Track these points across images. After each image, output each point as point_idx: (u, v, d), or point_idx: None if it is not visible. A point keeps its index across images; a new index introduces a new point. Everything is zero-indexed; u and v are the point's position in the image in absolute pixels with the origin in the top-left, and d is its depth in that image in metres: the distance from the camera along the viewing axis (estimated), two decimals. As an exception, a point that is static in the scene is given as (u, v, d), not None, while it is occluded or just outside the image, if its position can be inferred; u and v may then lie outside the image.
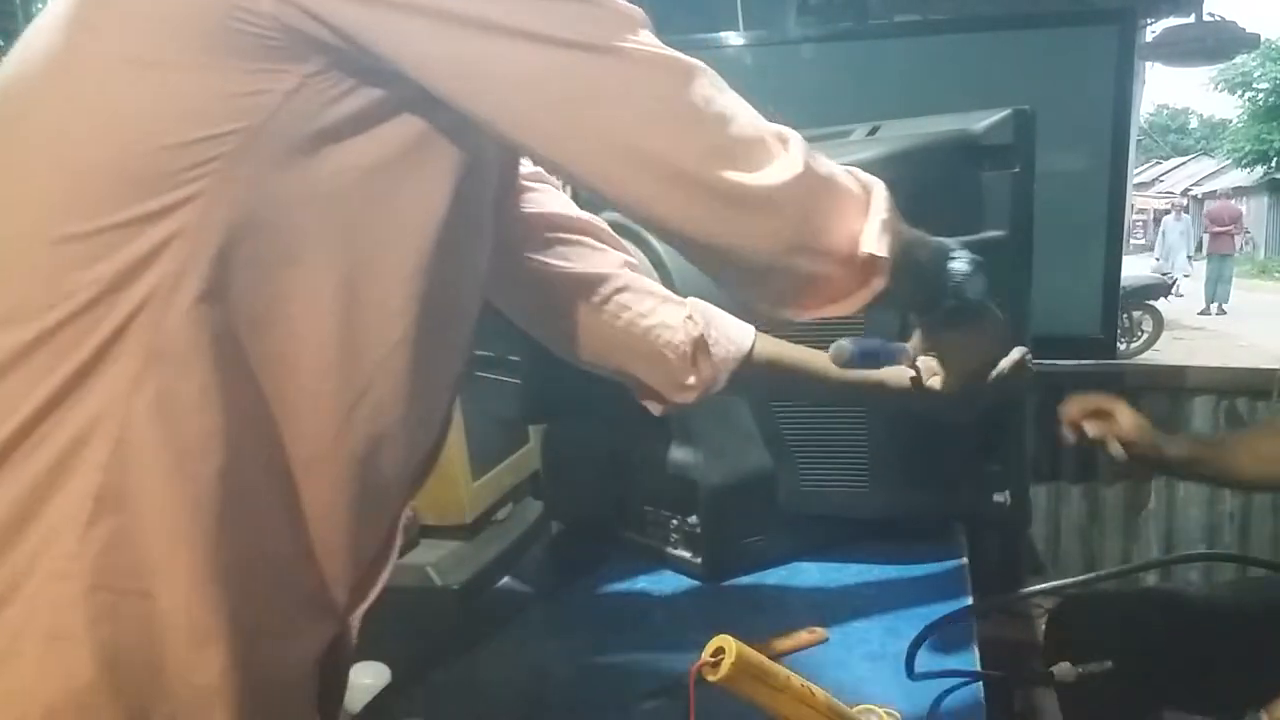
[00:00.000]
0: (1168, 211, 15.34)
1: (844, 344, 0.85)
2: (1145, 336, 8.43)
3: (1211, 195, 21.41)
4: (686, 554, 1.16)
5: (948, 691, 0.84)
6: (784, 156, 0.63)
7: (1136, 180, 21.93)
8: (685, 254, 0.69)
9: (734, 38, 2.19)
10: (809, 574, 1.16)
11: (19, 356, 0.53)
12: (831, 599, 1.08)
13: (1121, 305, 3.63)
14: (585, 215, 0.90)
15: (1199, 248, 15.16)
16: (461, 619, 1.09)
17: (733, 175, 0.61)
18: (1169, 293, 9.24)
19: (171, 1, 0.53)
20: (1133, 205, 19.96)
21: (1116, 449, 1.34)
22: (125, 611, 0.55)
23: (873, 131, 1.13)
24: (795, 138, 0.65)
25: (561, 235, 0.86)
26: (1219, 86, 20.18)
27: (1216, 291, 12.58)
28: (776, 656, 0.88)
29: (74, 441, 0.54)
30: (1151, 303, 8.54)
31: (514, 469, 1.56)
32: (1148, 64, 6.11)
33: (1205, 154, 27.36)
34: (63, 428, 0.54)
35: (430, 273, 0.62)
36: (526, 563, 1.31)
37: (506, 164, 0.75)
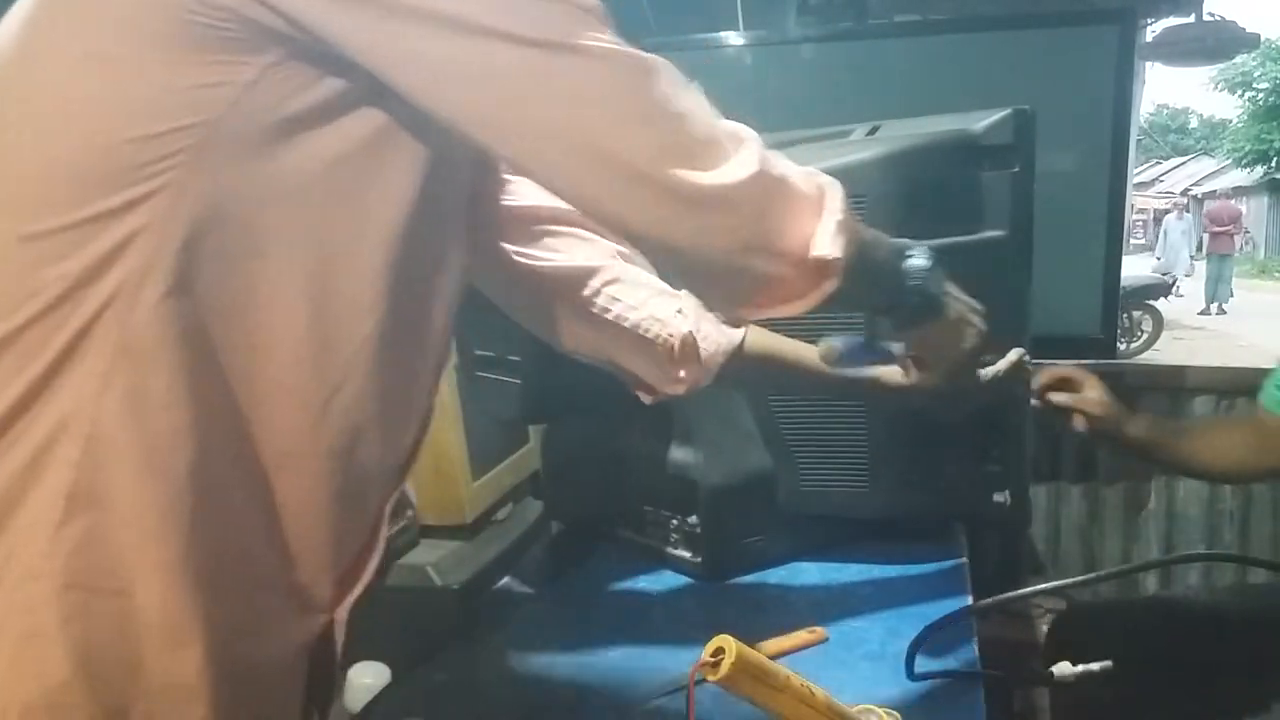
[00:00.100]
0: (1168, 211, 15.34)
1: (833, 343, 0.85)
2: (1145, 336, 8.43)
3: (1211, 195, 21.41)
4: (686, 554, 1.16)
5: (948, 692, 0.84)
6: (739, 156, 0.63)
7: (1136, 180, 21.92)
8: (640, 250, 0.69)
9: (734, 38, 2.19)
10: (809, 574, 1.16)
11: None
12: (831, 599, 1.08)
13: (1121, 305, 3.63)
14: (570, 208, 0.90)
15: (1199, 247, 15.17)
16: (461, 619, 1.09)
17: (688, 174, 0.61)
18: (1169, 293, 9.24)
19: None
20: (1133, 205, 19.96)
21: (1079, 421, 1.37)
22: (99, 610, 0.55)
23: (873, 131, 1.13)
24: (751, 137, 0.65)
25: (550, 228, 0.86)
26: (1219, 86, 20.17)
27: (1217, 291, 12.58)
28: (776, 656, 0.88)
29: (46, 440, 0.54)
30: (1151, 303, 8.54)
31: (514, 469, 1.56)
32: (1148, 64, 6.11)
33: (1205, 154, 27.35)
34: (35, 427, 0.54)
35: (400, 266, 0.62)
36: (526, 563, 1.31)
37: (482, 159, 0.74)
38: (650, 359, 0.89)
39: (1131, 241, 18.67)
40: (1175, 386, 2.17)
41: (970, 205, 1.06)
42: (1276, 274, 17.57)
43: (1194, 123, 33.88)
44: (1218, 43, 4.94)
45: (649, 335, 0.87)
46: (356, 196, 0.59)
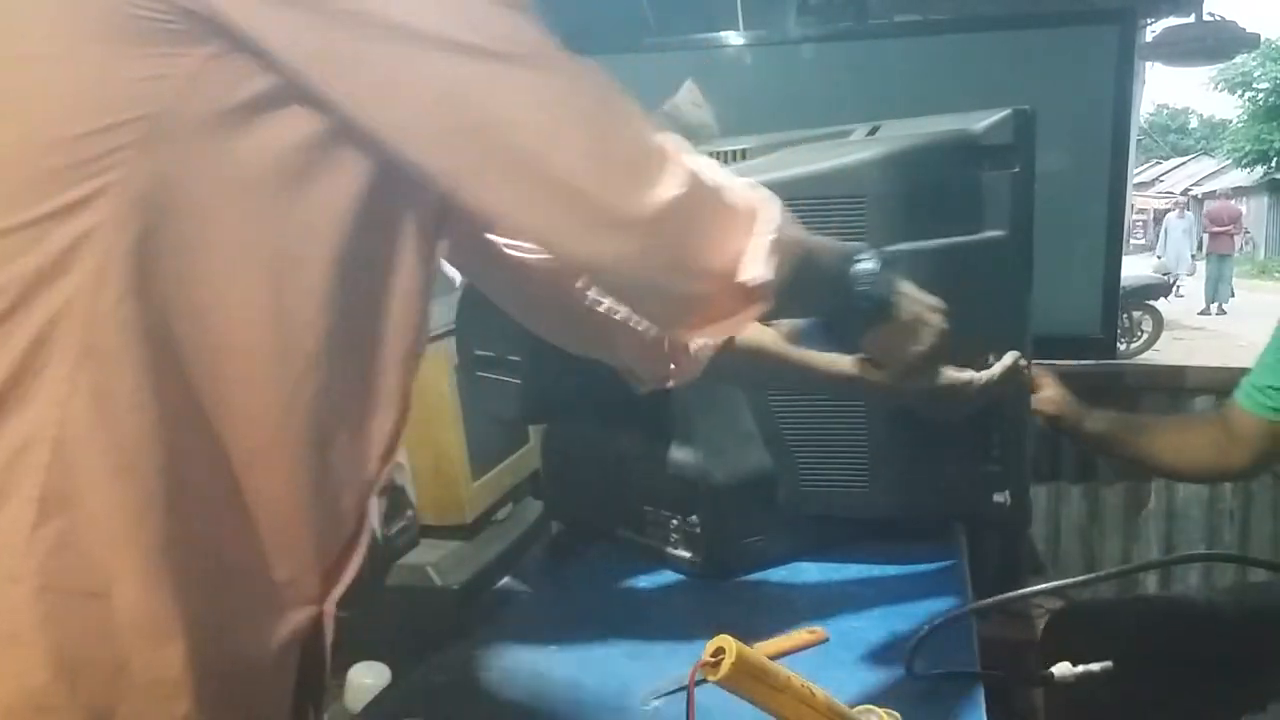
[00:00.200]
0: (1169, 210, 15.34)
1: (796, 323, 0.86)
2: (1145, 336, 8.44)
3: (1211, 195, 21.41)
4: (686, 554, 1.16)
5: (948, 692, 0.84)
6: (668, 174, 0.62)
7: (1136, 180, 21.91)
8: (567, 267, 0.68)
9: (734, 38, 2.19)
10: (809, 574, 1.16)
11: None
12: (831, 599, 1.08)
13: (1121, 305, 3.63)
14: None
15: (1199, 247, 15.18)
16: (461, 619, 1.09)
17: (614, 194, 0.60)
18: (1169, 293, 9.25)
19: None
20: (1133, 205, 19.95)
21: (1040, 420, 1.41)
22: (78, 611, 0.55)
23: (873, 131, 1.13)
24: (683, 154, 0.64)
25: None
26: (1219, 86, 20.17)
27: (1217, 291, 12.59)
28: (776, 656, 0.88)
29: (16, 445, 0.54)
30: (1151, 303, 8.55)
31: (514, 469, 1.56)
32: (1148, 64, 6.10)
33: (1205, 154, 27.35)
34: (3, 432, 0.54)
35: (354, 258, 0.61)
36: (526, 563, 1.31)
37: None
38: (641, 351, 0.89)
39: (1131, 241, 18.66)
40: (1175, 386, 2.17)
41: (970, 205, 1.06)
42: (1276, 274, 17.57)
43: (1194, 123, 33.88)
44: (1218, 43, 4.94)
45: (639, 327, 0.87)
46: (306, 189, 0.58)
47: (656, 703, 0.87)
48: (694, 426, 1.12)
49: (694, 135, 2.03)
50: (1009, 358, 0.99)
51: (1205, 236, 14.57)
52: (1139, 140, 14.49)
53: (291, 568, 0.65)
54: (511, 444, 1.57)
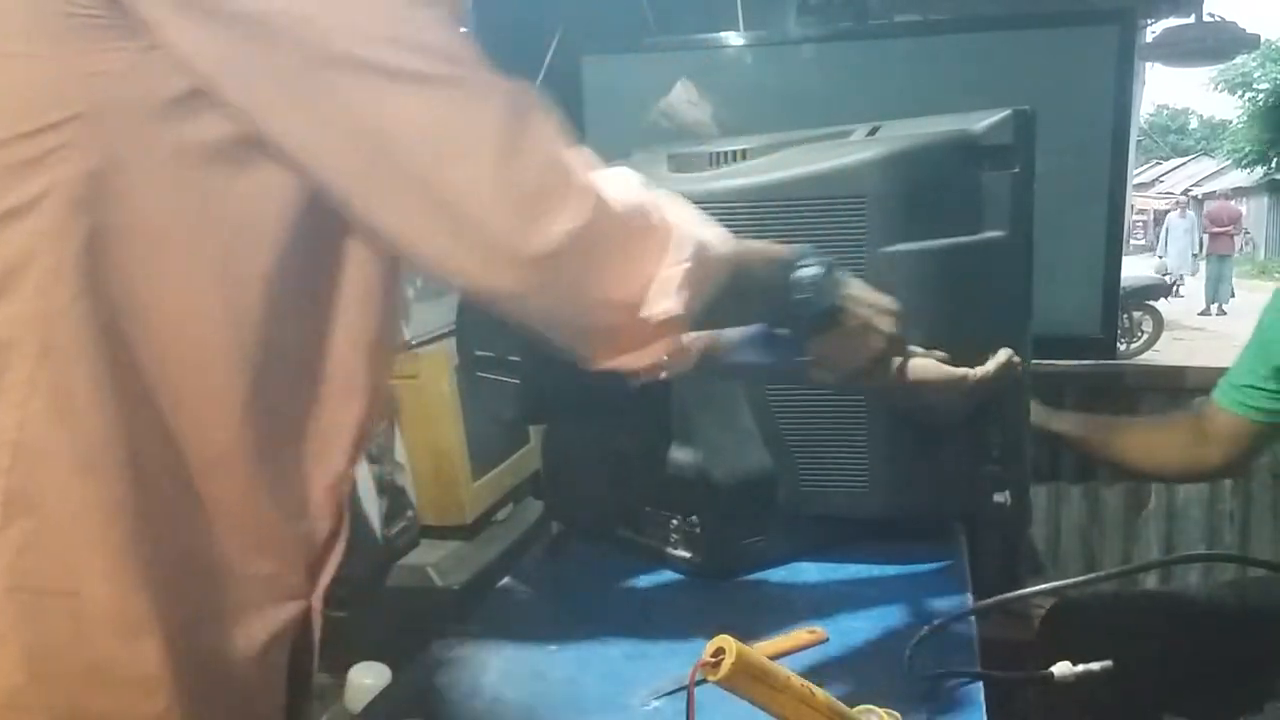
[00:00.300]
0: (1170, 211, 15.34)
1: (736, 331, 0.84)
2: (1145, 336, 8.44)
3: (1211, 196, 21.41)
4: (686, 554, 1.16)
5: (948, 692, 0.84)
6: (570, 206, 0.59)
7: (1136, 180, 21.91)
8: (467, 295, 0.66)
9: (734, 38, 2.19)
10: (809, 574, 1.16)
11: None
12: (831, 599, 1.08)
13: (1121, 305, 3.63)
14: None
15: (1200, 247, 15.19)
16: (461, 619, 1.09)
17: (505, 223, 0.58)
18: (1169, 293, 9.25)
19: None
20: (1133, 205, 19.94)
21: None
22: (49, 610, 0.56)
23: (873, 131, 1.13)
24: (595, 180, 0.61)
25: None
26: (1219, 87, 20.16)
27: (1217, 292, 12.59)
28: (776, 656, 0.88)
29: None
30: (1151, 303, 8.55)
31: (514, 469, 1.56)
32: (1148, 64, 6.10)
33: (1205, 154, 27.34)
34: None
35: (300, 251, 0.60)
36: (526, 563, 1.31)
37: None
38: None
39: (1131, 241, 18.66)
40: (1175, 387, 2.17)
41: (970, 205, 1.06)
42: (1276, 274, 17.56)
43: (1194, 123, 33.87)
44: (1218, 43, 4.94)
45: None
46: (246, 179, 0.58)
47: (656, 703, 0.87)
48: (694, 426, 1.12)
49: (691, 133, 2.03)
50: (1002, 354, 0.99)
51: (1205, 237, 14.57)
52: (1139, 140, 14.49)
53: (274, 562, 0.65)
54: (511, 444, 1.57)
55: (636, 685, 0.90)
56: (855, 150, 1.07)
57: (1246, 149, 19.99)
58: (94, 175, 0.54)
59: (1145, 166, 25.82)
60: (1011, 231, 1.06)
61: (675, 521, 1.17)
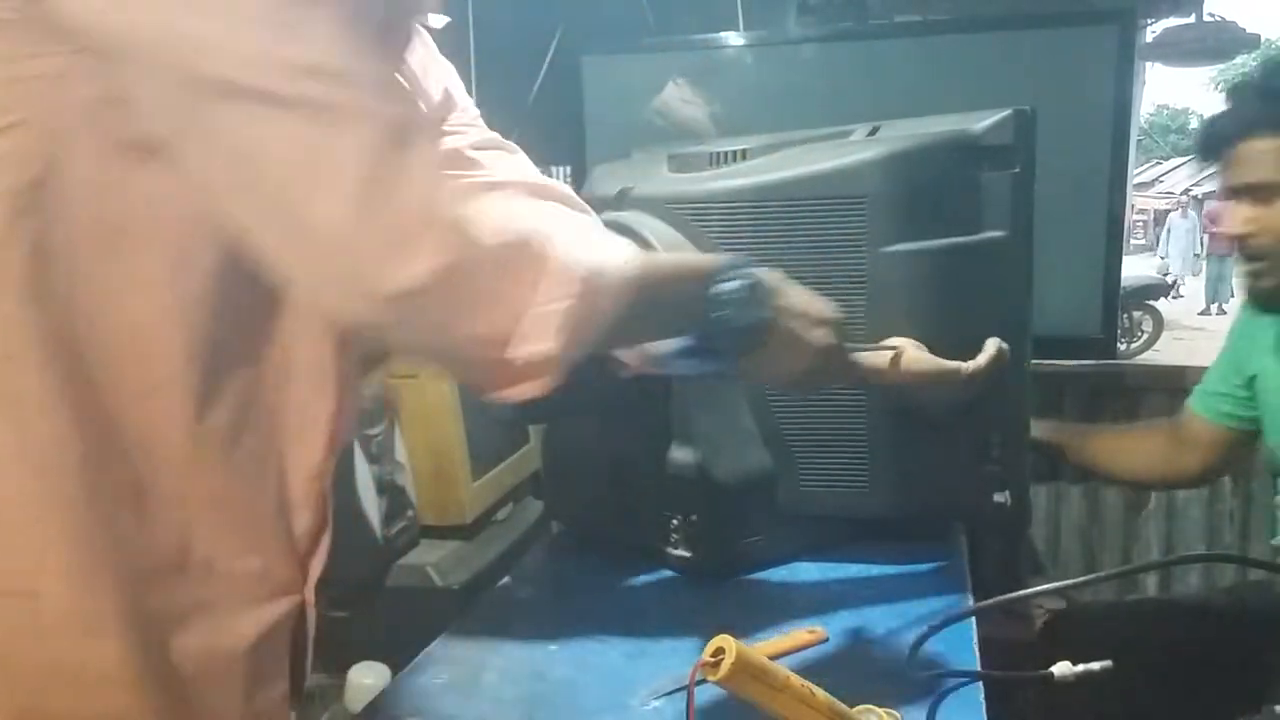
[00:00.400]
0: (1171, 210, 15.33)
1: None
2: (1145, 336, 8.44)
3: (1212, 195, 21.38)
4: (686, 554, 1.16)
5: (948, 691, 0.84)
6: (432, 243, 0.56)
7: (1136, 180, 21.89)
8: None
9: (734, 38, 2.19)
10: (809, 574, 1.16)
11: None
12: (831, 599, 1.08)
13: (1121, 305, 3.62)
14: (545, 181, 0.89)
15: (1201, 247, 15.18)
16: (461, 619, 1.09)
17: (364, 260, 0.55)
18: (1169, 293, 9.25)
19: None
20: (1133, 205, 19.93)
21: None
22: (8, 611, 0.57)
23: (873, 131, 1.13)
24: (464, 218, 0.58)
25: (497, 194, 0.85)
26: (1219, 86, 20.15)
27: (1217, 291, 12.59)
28: (776, 656, 0.88)
29: None
30: (1151, 303, 8.55)
31: (514, 469, 1.56)
32: (1148, 64, 6.10)
33: (1206, 154, 27.26)
34: None
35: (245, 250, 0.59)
36: (526, 563, 1.31)
37: None
38: None
39: (1131, 241, 18.64)
40: (1175, 387, 2.17)
41: (970, 205, 1.06)
42: (1277, 274, 17.53)
43: (1194, 123, 33.83)
44: (1218, 43, 4.94)
45: None
46: (183, 183, 0.57)
47: (656, 703, 0.87)
48: (694, 426, 1.12)
49: (687, 130, 2.03)
50: (990, 345, 0.99)
51: (1204, 237, 14.57)
52: (1139, 140, 14.48)
53: (260, 558, 0.65)
54: (511, 444, 1.57)
55: (636, 685, 0.90)
56: (855, 150, 1.07)
57: (1246, 149, 19.95)
58: (36, 181, 0.54)
59: (1145, 166, 25.80)
60: (1011, 231, 1.06)
61: (675, 521, 1.17)
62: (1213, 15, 5.06)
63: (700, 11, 2.38)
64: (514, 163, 0.91)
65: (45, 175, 0.54)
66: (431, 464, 1.39)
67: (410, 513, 1.36)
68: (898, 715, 0.79)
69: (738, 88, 2.12)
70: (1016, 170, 1.05)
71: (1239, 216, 1.24)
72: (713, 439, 1.12)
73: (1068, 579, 1.03)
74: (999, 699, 0.87)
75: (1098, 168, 1.95)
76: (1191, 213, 14.90)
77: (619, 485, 1.23)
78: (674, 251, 1.02)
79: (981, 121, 1.05)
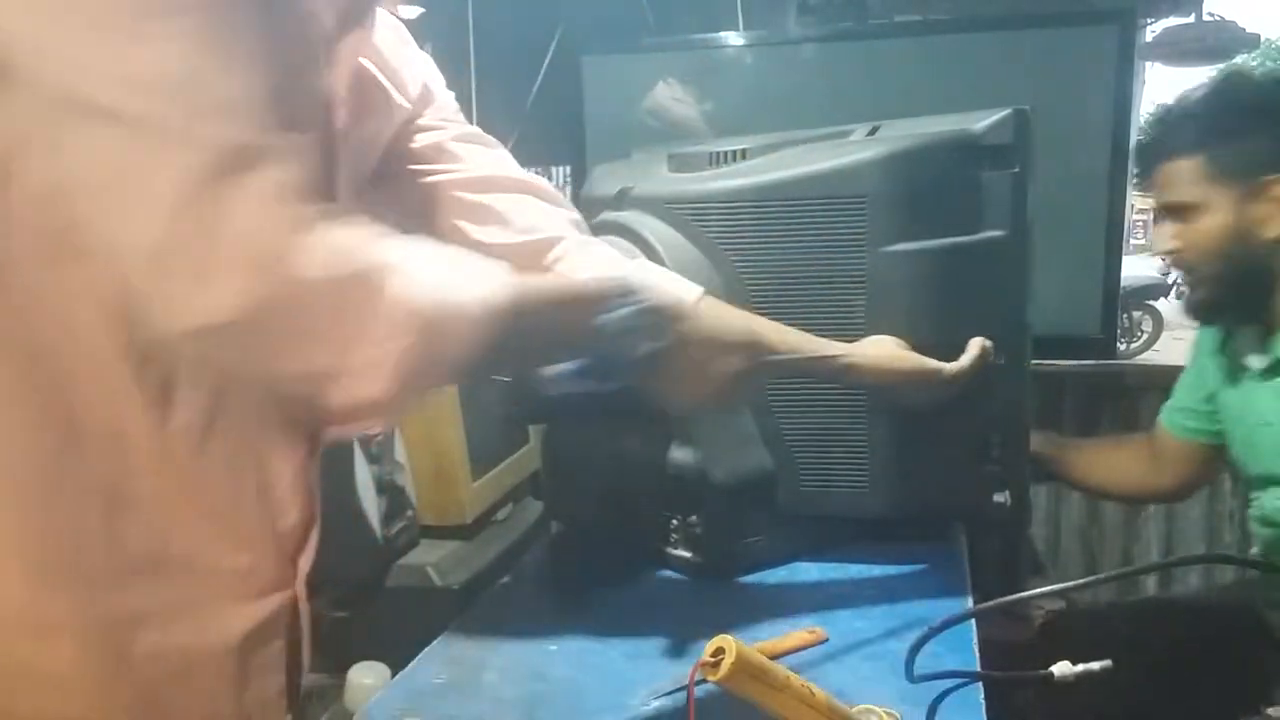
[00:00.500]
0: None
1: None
2: (1145, 336, 8.43)
3: (1211, 195, 21.38)
4: (686, 554, 1.16)
5: (947, 692, 0.84)
6: (247, 278, 0.52)
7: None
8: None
9: (734, 38, 2.19)
10: (809, 574, 1.16)
11: None
12: (831, 599, 1.08)
13: (1121, 305, 3.62)
14: (525, 176, 0.89)
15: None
16: (461, 619, 1.09)
17: (167, 290, 0.53)
18: (1169, 293, 9.23)
19: None
20: (1133, 205, 19.91)
21: None
22: None
23: (873, 131, 1.13)
24: (288, 253, 0.54)
25: (502, 195, 0.86)
26: (1219, 87, 20.14)
27: (1217, 292, 12.58)
28: (776, 656, 0.88)
29: None
30: (1151, 303, 8.54)
31: (514, 469, 1.56)
32: (1148, 64, 6.10)
33: (1205, 154, 27.28)
34: None
35: None
36: (526, 563, 1.31)
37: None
38: None
39: (1131, 241, 18.64)
40: (1175, 386, 2.17)
41: (970, 205, 1.06)
42: (1276, 274, 17.55)
43: (1194, 123, 33.78)
44: (1218, 43, 4.93)
45: None
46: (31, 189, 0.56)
47: (656, 703, 0.87)
48: (694, 426, 1.12)
49: (682, 129, 2.03)
50: (974, 345, 1.00)
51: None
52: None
53: (247, 555, 0.65)
54: (511, 444, 1.57)
55: (636, 685, 0.90)
56: (855, 150, 1.07)
57: (1246, 149, 19.95)
58: None
59: (1145, 166, 25.76)
60: (1011, 231, 1.06)
61: (675, 521, 1.17)
62: (1212, 15, 5.05)
63: (700, 11, 2.38)
64: (493, 156, 0.91)
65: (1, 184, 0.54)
66: (431, 464, 1.39)
67: (410, 513, 1.36)
68: (898, 715, 0.79)
69: (738, 87, 2.12)
70: (1016, 170, 1.05)
71: (1165, 234, 1.31)
72: (713, 439, 1.12)
73: (1068, 579, 1.03)
74: (999, 699, 0.87)
75: (1097, 167, 1.95)
76: (1192, 213, 14.89)
77: (619, 485, 1.23)
78: (643, 265, 0.98)
79: (981, 121, 1.05)
